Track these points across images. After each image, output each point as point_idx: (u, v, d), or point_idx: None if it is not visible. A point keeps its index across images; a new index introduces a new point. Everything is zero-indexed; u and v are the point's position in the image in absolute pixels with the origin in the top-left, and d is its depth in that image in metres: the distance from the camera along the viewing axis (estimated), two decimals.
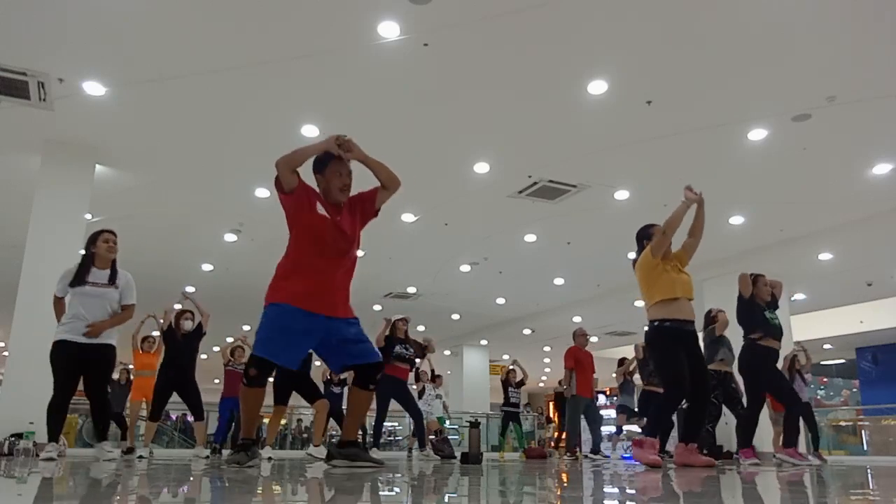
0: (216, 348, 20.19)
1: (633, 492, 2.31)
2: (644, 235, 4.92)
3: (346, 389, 10.72)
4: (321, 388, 8.40)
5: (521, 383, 11.42)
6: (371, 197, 3.62)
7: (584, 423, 8.83)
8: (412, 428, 11.34)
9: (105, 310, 4.83)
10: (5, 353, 7.71)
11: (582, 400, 8.66)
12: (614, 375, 9.26)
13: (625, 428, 10.72)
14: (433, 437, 8.64)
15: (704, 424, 4.79)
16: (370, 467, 3.43)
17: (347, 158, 3.50)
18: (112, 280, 4.87)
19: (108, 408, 5.16)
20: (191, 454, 8.37)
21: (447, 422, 13.31)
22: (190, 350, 7.44)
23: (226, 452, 9.08)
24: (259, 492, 2.09)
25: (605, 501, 1.94)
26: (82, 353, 4.74)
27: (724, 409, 7.01)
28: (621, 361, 9.99)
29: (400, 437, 18.16)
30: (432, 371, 11.42)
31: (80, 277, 4.79)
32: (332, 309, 3.37)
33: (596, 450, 9.00)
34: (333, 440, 10.88)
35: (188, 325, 7.50)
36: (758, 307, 6.02)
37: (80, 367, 4.80)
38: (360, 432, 12.57)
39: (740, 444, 6.07)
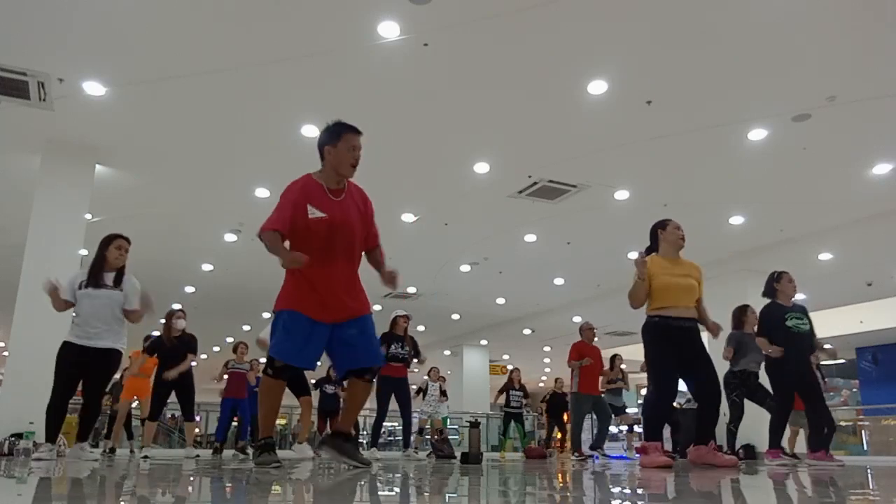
0: (216, 348, 20.26)
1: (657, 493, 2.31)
2: (657, 228, 4.79)
3: (334, 388, 10.75)
4: (313, 385, 8.48)
5: (523, 388, 11.51)
6: (371, 224, 3.53)
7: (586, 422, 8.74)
8: (416, 428, 11.32)
9: (111, 312, 4.87)
10: (5, 353, 7.71)
11: (587, 398, 8.31)
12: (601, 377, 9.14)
13: (611, 428, 10.70)
14: (432, 436, 8.66)
15: (716, 422, 4.68)
16: (357, 467, 3.37)
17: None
18: (118, 283, 4.92)
19: (97, 411, 5.22)
20: (182, 454, 8.37)
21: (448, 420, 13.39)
22: (183, 351, 7.39)
23: (228, 452, 9.10)
24: (261, 493, 2.09)
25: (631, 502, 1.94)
26: (85, 355, 4.79)
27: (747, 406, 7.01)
28: (613, 359, 9.95)
29: (401, 437, 18.18)
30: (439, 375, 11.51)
31: (92, 279, 4.84)
32: (338, 312, 3.32)
33: (596, 446, 8.80)
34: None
35: (181, 323, 7.45)
36: (778, 315, 5.79)
37: (81, 369, 4.85)
38: (353, 431, 12.57)
39: (770, 445, 5.87)
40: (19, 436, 6.75)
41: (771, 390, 6.02)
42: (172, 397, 7.48)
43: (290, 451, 9.29)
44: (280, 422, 16.24)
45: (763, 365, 6.08)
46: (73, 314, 4.89)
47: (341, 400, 11.14)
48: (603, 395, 8.99)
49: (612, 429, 11.44)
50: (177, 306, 8.25)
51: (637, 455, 5.34)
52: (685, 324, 4.49)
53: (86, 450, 5.04)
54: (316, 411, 9.94)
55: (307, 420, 7.50)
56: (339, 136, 3.40)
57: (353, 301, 3.39)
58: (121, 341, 4.96)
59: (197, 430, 12.77)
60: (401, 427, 9.05)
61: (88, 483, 2.55)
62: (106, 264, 4.91)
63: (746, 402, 7.03)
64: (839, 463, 5.65)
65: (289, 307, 3.31)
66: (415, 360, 7.99)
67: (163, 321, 7.48)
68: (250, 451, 8.87)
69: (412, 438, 8.95)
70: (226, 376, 9.16)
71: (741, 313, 7.10)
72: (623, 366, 9.98)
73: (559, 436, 12.54)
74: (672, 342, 4.43)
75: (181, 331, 7.44)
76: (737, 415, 7.10)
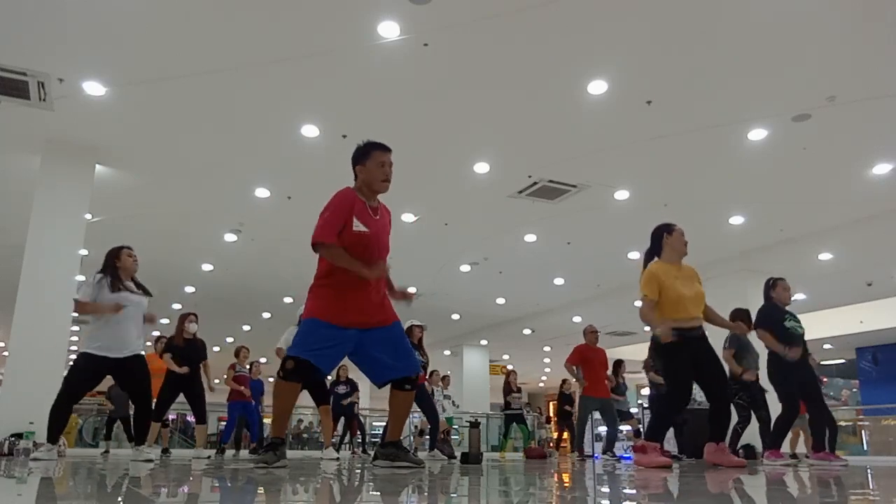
0: (216, 348, 20.25)
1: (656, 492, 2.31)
2: (663, 231, 4.80)
3: (346, 388, 10.78)
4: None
5: (520, 389, 11.64)
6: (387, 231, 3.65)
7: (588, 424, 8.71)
8: (414, 429, 11.32)
9: (141, 318, 5.06)
10: (5, 353, 7.71)
11: (592, 400, 8.27)
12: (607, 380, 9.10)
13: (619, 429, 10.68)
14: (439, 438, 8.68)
15: (730, 422, 4.71)
16: (410, 467, 3.43)
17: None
18: (142, 290, 5.14)
19: (149, 416, 5.31)
20: (191, 454, 8.37)
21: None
22: (194, 355, 7.45)
23: (230, 453, 9.11)
24: (266, 493, 2.09)
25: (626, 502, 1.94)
26: (110, 366, 4.91)
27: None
28: (617, 364, 9.97)
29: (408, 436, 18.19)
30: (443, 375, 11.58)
31: (117, 286, 4.98)
32: (366, 320, 3.38)
33: (607, 448, 8.79)
34: (333, 440, 10.91)
35: (192, 327, 7.50)
36: (777, 316, 5.82)
37: (100, 379, 4.99)
38: (358, 433, 12.52)
39: (767, 446, 5.96)
40: (19, 436, 6.75)
41: (776, 395, 6.02)
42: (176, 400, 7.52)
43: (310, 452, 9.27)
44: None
45: (768, 372, 6.05)
46: (98, 326, 4.94)
47: (354, 403, 11.15)
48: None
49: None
50: (176, 306, 8.26)
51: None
52: (697, 332, 4.58)
53: (143, 451, 5.16)
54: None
55: (328, 426, 7.55)
56: (367, 154, 3.49)
57: (381, 309, 3.47)
58: (142, 347, 5.12)
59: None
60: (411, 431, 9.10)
61: (85, 482, 2.55)
62: (124, 273, 5.08)
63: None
64: (843, 462, 5.65)
65: (310, 316, 3.39)
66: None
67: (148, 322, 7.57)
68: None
69: (412, 439, 8.96)
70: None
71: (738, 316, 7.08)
72: (624, 374, 10.00)
73: (567, 436, 12.56)
74: (687, 352, 4.50)
75: (193, 334, 7.50)
76: (744, 416, 7.16)
